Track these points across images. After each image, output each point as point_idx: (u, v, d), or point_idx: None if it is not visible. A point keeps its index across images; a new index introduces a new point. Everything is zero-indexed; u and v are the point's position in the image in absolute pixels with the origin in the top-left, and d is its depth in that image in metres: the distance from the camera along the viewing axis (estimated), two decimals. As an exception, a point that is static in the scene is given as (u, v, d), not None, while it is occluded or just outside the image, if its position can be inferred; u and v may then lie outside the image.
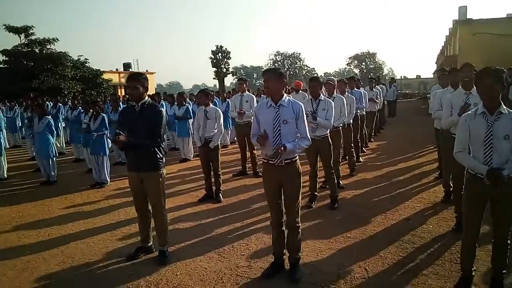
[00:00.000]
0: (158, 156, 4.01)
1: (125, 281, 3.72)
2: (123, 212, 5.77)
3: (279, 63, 74.95)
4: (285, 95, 3.56)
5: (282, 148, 3.33)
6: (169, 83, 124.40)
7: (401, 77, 64.57)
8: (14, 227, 5.40)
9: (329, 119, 5.32)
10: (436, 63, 49.96)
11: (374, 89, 10.97)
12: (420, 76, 68.36)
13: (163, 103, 12.13)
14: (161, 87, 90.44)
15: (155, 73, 48.35)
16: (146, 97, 4.03)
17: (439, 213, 5.18)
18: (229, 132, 11.89)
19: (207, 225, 5.12)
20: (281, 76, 3.50)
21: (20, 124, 13.24)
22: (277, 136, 3.45)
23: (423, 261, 3.88)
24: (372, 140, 11.03)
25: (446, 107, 4.60)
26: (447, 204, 5.39)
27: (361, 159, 8.45)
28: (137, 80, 3.94)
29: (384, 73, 72.88)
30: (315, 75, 69.34)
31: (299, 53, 77.39)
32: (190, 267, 3.94)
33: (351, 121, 7.14)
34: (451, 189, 5.37)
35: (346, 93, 7.10)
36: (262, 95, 13.01)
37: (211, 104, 6.28)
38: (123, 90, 39.98)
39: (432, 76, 50.57)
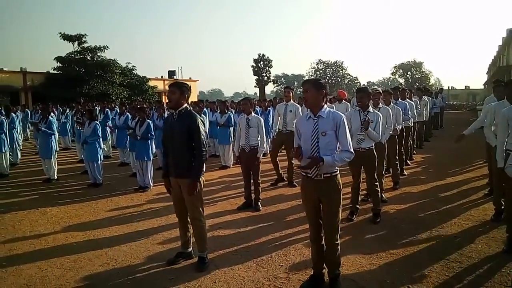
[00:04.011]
0: None
1: (165, 285, 3.78)
2: (165, 216, 5.89)
3: (321, 71, 74.33)
4: (325, 106, 3.45)
5: (320, 163, 3.23)
6: (211, 90, 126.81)
7: (448, 87, 62.24)
8: (62, 227, 5.64)
9: (377, 131, 5.20)
10: (487, 73, 47.93)
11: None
12: (469, 87, 65.70)
13: (206, 110, 12.33)
14: (203, 94, 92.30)
15: (198, 80, 49.41)
16: (185, 105, 4.11)
17: (489, 232, 4.91)
18: (269, 140, 11.88)
19: (246, 234, 5.13)
20: (320, 86, 3.41)
21: (71, 128, 13.92)
22: (315, 149, 3.34)
23: (471, 283, 3.68)
24: (415, 152, 10.61)
25: (502, 122, 4.36)
26: (498, 223, 5.11)
27: (405, 172, 8.19)
28: (177, 86, 4.07)
29: (430, 83, 70.45)
30: (358, 84, 68.21)
31: (342, 62, 76.42)
32: (228, 275, 3.95)
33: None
34: (502, 207, 5.10)
35: (392, 103, 6.92)
36: (303, 104, 12.95)
37: (253, 113, 6.32)
38: (167, 97, 41.17)
39: (483, 87, 48.52)
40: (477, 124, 5.89)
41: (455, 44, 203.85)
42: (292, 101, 7.79)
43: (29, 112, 18.64)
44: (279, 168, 7.78)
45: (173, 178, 4.13)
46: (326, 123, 3.36)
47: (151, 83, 37.87)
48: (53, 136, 8.62)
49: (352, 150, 3.41)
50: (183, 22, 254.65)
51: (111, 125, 11.86)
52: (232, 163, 10.03)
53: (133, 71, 36.88)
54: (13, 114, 11.22)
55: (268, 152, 11.77)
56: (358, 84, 71.64)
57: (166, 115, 9.67)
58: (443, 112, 18.87)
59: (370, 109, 5.28)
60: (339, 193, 3.43)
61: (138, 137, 7.62)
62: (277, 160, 7.73)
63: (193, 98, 35.22)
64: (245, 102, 6.34)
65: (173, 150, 4.06)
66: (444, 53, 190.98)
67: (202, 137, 4.06)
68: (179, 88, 4.05)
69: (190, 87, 4.23)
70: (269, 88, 67.34)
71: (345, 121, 3.42)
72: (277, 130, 7.69)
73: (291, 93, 7.84)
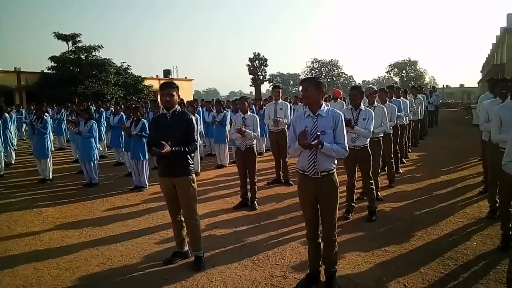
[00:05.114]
0: (190, 161, 4.11)
1: (162, 284, 3.79)
2: (161, 216, 5.87)
3: (316, 70, 74.39)
4: (323, 104, 3.48)
5: (319, 146, 3.23)
6: (207, 89, 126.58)
7: (443, 86, 62.51)
8: (58, 227, 5.62)
9: (369, 128, 5.21)
10: (481, 72, 48.21)
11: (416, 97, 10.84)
12: (463, 85, 66.06)
13: (201, 110, 12.29)
14: (198, 94, 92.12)
15: (193, 79, 49.33)
16: (177, 105, 4.13)
17: (484, 229, 4.95)
18: (265, 140, 11.90)
19: (242, 233, 5.13)
20: (320, 85, 3.42)
21: (66, 127, 13.84)
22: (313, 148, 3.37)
23: (466, 280, 3.71)
24: (410, 150, 10.64)
25: (495, 120, 4.39)
26: (492, 220, 5.15)
27: (400, 171, 8.22)
28: (173, 88, 4.07)
29: (425, 82, 70.73)
30: (354, 83, 68.17)
31: (337, 61, 76.53)
32: (225, 274, 3.96)
33: (391, 130, 6.98)
34: (497, 204, 5.13)
35: (387, 102, 6.95)
36: (299, 103, 12.97)
37: (249, 111, 6.33)
38: (162, 96, 40.98)
39: (477, 86, 48.79)
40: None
41: (450, 43, 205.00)
42: (281, 100, 7.83)
43: (23, 112, 18.54)
44: (280, 169, 7.79)
45: (166, 177, 4.12)
46: (326, 122, 3.38)
47: (146, 83, 37.70)
48: (48, 136, 8.59)
49: (347, 148, 3.43)
50: (179, 22, 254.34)
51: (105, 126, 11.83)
52: (228, 162, 10.03)
53: (128, 71, 36.71)
54: (7, 114, 11.12)
55: (264, 151, 11.84)
56: (354, 82, 71.92)
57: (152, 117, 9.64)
58: (438, 111, 18.97)
59: (362, 107, 5.31)
60: (336, 190, 3.46)
61: (133, 133, 7.59)
62: (280, 160, 7.73)
63: (189, 97, 35.19)
64: (242, 101, 6.33)
65: None
66: (439, 52, 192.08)
67: (196, 135, 4.14)
68: (174, 89, 4.08)
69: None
70: (265, 87, 67.39)
71: (343, 119, 3.44)
72: (271, 123, 7.67)
73: (279, 92, 7.87)
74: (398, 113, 7.54)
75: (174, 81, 4.47)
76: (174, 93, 4.05)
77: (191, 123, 4.08)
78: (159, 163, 4.22)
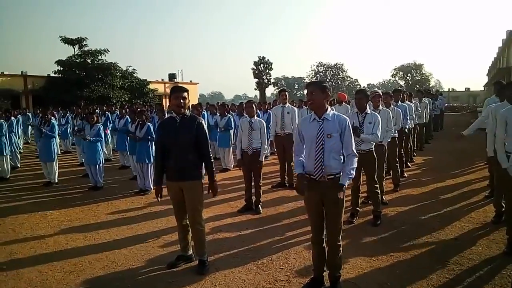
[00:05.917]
0: (199, 166, 4.10)
1: (165, 288, 3.78)
2: (165, 219, 5.88)
3: (321, 74, 74.39)
4: (329, 108, 3.49)
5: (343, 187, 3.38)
6: (211, 93, 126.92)
7: (449, 89, 62.30)
8: (63, 230, 5.64)
9: (376, 133, 5.19)
10: (487, 75, 48.00)
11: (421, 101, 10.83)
12: (469, 88, 65.79)
13: (205, 113, 12.33)
14: (203, 97, 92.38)
15: (198, 83, 49.45)
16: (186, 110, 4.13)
17: (489, 234, 4.91)
18: (268, 143, 11.86)
19: (246, 236, 5.12)
20: (325, 89, 3.45)
21: (71, 131, 13.92)
22: (319, 151, 3.36)
23: (471, 285, 3.68)
24: (415, 154, 10.61)
25: (500, 123, 4.35)
26: (498, 225, 5.10)
27: (405, 175, 8.18)
28: (185, 91, 4.07)
29: (430, 85, 70.52)
30: (359, 86, 68.12)
31: (342, 64, 76.56)
32: (229, 278, 3.95)
33: (396, 134, 6.95)
34: (503, 209, 5.09)
35: (392, 106, 6.93)
36: (304, 107, 12.95)
37: (255, 116, 6.33)
38: (167, 100, 41.08)
39: (483, 89, 48.57)
40: (477, 124, 5.89)
41: (456, 46, 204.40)
42: (288, 104, 7.82)
43: (30, 115, 18.66)
44: (285, 173, 7.77)
45: (174, 181, 4.11)
46: (332, 125, 3.39)
47: (151, 86, 37.83)
48: (54, 139, 8.64)
49: (356, 153, 3.45)
50: (184, 25, 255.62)
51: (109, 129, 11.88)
52: (232, 166, 10.03)
53: (134, 74, 36.87)
54: (13, 118, 11.21)
55: (269, 154, 11.82)
56: (359, 86, 71.83)
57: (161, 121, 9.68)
58: (443, 114, 18.88)
59: (368, 110, 5.30)
60: (342, 194, 3.45)
61: (138, 137, 7.62)
62: (285, 163, 7.72)
63: (194, 100, 35.24)
64: (250, 105, 6.31)
65: (178, 154, 4.02)
66: (445, 55, 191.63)
67: (208, 141, 4.16)
68: (188, 92, 4.08)
69: None
70: (270, 91, 67.42)
71: (349, 124, 3.45)
72: (274, 134, 7.70)
73: (286, 96, 7.86)
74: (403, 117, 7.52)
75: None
76: (186, 96, 4.04)
77: (202, 129, 4.06)
78: (167, 166, 4.19)
